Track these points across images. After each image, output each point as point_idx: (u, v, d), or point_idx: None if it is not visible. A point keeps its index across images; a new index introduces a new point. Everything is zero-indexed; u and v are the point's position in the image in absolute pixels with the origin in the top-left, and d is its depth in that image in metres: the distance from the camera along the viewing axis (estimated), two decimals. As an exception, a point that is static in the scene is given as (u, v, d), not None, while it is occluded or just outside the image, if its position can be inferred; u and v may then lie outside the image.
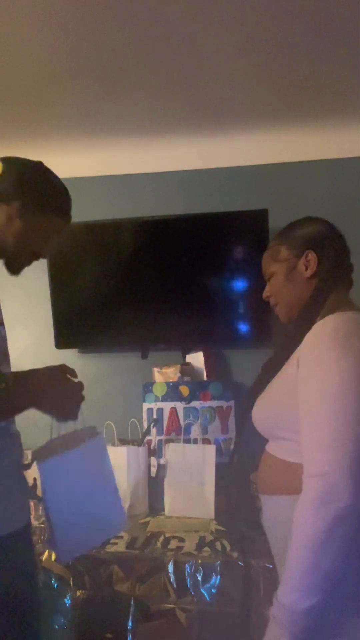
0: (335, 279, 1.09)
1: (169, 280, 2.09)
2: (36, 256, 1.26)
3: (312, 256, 1.10)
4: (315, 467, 0.91)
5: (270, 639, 0.92)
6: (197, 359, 2.13)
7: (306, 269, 1.11)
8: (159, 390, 2.05)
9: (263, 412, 1.11)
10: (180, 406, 2.01)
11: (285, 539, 0.97)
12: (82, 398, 1.16)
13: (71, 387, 1.15)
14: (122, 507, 1.28)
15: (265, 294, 1.22)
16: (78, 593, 1.49)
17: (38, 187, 1.23)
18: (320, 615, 0.90)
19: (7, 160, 1.21)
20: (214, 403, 1.98)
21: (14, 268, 1.22)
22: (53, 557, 1.52)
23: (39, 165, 1.27)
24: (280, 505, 1.04)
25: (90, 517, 1.19)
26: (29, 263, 1.25)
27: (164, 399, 2.03)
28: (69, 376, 1.17)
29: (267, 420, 1.10)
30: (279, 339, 1.29)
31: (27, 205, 1.19)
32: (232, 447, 1.89)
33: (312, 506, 0.89)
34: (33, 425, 1.41)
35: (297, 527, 0.92)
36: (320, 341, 0.98)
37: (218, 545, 1.54)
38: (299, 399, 0.98)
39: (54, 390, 1.12)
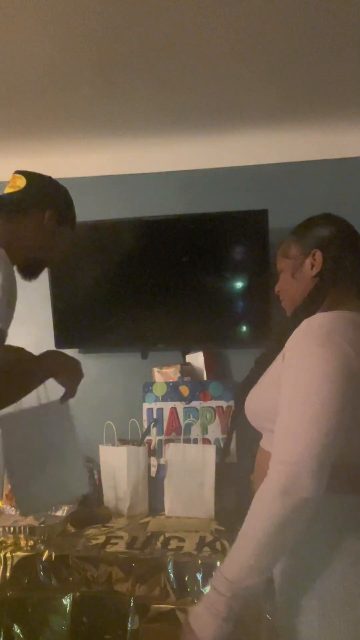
0: (337, 279, 1.10)
1: (169, 280, 2.09)
2: (48, 264, 1.36)
3: (318, 255, 1.12)
4: (282, 455, 0.92)
5: (205, 604, 0.94)
6: (197, 359, 2.13)
7: (312, 268, 1.12)
8: (159, 390, 2.05)
9: (253, 404, 1.12)
10: (180, 406, 2.01)
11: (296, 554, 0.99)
12: (82, 374, 1.37)
13: (75, 364, 1.36)
14: (84, 473, 1.35)
15: (276, 288, 1.24)
16: (78, 593, 1.49)
17: (59, 200, 1.35)
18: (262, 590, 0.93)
19: (27, 174, 1.29)
20: (214, 403, 1.98)
21: (30, 275, 1.33)
22: (53, 557, 1.52)
23: (53, 180, 1.37)
24: None
25: (50, 475, 1.24)
26: (41, 270, 1.35)
27: (164, 399, 2.03)
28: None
29: (256, 412, 1.12)
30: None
31: (49, 216, 1.29)
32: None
33: (274, 492, 0.90)
34: (33, 425, 1.42)
35: (255, 509, 0.94)
36: (304, 336, 1.00)
37: (218, 545, 1.53)
38: (282, 387, 0.99)
39: (67, 364, 1.33)
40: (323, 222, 1.16)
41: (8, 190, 1.28)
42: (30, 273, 1.33)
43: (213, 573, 1.41)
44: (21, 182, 1.27)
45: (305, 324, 1.02)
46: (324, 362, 0.94)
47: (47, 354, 1.32)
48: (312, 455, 0.89)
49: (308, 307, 1.09)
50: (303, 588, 1.00)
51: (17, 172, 1.30)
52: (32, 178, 1.29)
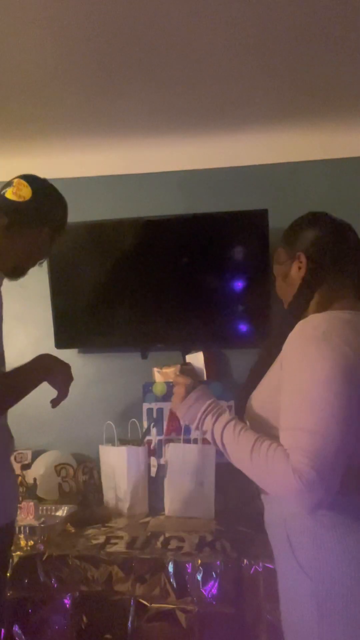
0: (322, 279, 1.09)
1: (169, 280, 2.09)
2: (32, 267, 1.40)
3: (303, 258, 1.11)
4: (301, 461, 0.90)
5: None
6: (197, 359, 2.12)
7: (299, 270, 1.12)
8: (159, 390, 2.05)
9: (253, 409, 1.11)
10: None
11: (285, 540, 1.00)
12: (72, 378, 1.38)
13: (66, 367, 1.37)
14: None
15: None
16: (78, 593, 1.49)
17: (58, 216, 1.37)
18: None
19: (33, 183, 1.29)
20: (214, 403, 1.98)
21: (14, 277, 1.34)
22: (54, 557, 1.52)
23: (56, 191, 1.38)
24: (280, 504, 1.05)
25: None
26: (25, 274, 1.38)
27: (164, 399, 2.03)
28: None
29: (256, 417, 1.11)
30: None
31: (46, 232, 1.33)
32: None
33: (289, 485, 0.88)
34: (33, 425, 1.42)
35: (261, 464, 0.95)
36: (300, 339, 0.99)
37: (218, 545, 1.53)
38: (282, 393, 0.99)
39: (60, 367, 1.35)
40: (306, 224, 1.16)
41: (12, 197, 1.27)
42: (15, 276, 1.35)
43: (213, 573, 1.42)
44: (26, 193, 1.27)
45: (300, 326, 1.01)
46: (324, 365, 0.92)
47: (41, 357, 1.33)
48: (325, 463, 0.87)
49: (294, 308, 1.10)
50: (303, 587, 0.99)
51: (24, 178, 1.30)
52: (38, 190, 1.29)
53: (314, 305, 1.10)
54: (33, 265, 1.37)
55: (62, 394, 1.38)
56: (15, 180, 1.29)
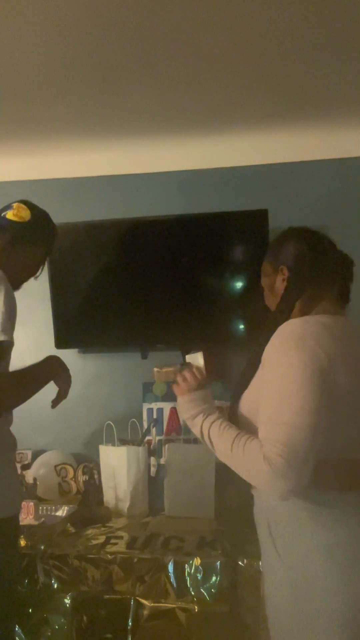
0: (303, 290, 1.18)
1: (168, 280, 2.09)
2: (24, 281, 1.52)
3: (285, 271, 1.20)
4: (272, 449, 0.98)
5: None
6: (197, 359, 2.12)
7: (282, 282, 1.21)
8: (159, 390, 2.05)
9: (243, 409, 1.18)
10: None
11: (266, 529, 1.11)
12: (70, 378, 1.50)
13: (68, 371, 1.49)
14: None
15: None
16: (78, 593, 1.49)
17: (51, 237, 1.50)
18: None
19: (31, 207, 1.43)
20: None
21: (13, 290, 1.42)
22: (54, 557, 1.52)
23: (49, 216, 1.51)
24: (262, 496, 1.14)
25: None
26: (18, 289, 1.47)
27: (164, 399, 2.03)
28: None
29: (245, 416, 1.17)
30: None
31: (41, 251, 1.48)
32: None
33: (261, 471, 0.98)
34: (33, 425, 1.42)
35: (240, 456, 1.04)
36: (279, 342, 1.08)
37: (218, 545, 1.54)
38: (262, 391, 1.08)
39: (64, 369, 1.47)
40: (287, 239, 1.24)
41: (13, 217, 1.41)
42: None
43: (213, 573, 1.42)
44: (26, 215, 1.41)
45: (279, 330, 1.10)
46: (297, 365, 1.01)
47: (49, 359, 1.45)
48: (294, 452, 0.95)
49: (278, 316, 1.17)
50: (280, 574, 1.08)
51: (22, 202, 1.44)
52: (35, 213, 1.44)
53: (296, 312, 1.18)
54: (27, 279, 1.50)
55: (64, 394, 1.49)
56: (15, 204, 1.43)
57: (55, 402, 1.48)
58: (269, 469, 0.95)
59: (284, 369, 1.03)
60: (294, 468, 0.95)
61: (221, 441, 1.10)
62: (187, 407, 1.21)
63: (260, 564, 1.40)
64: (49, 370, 1.43)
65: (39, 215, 1.45)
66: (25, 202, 1.45)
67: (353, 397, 1.04)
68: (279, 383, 1.03)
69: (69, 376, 1.49)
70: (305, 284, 1.18)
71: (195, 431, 1.18)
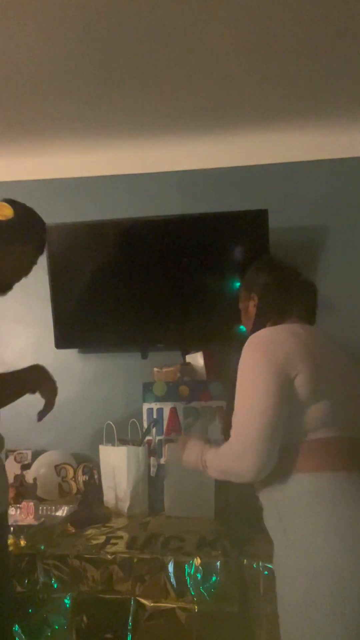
0: (270, 314, 1.35)
1: (169, 280, 2.09)
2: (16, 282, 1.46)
3: (255, 297, 1.39)
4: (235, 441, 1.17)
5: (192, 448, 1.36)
6: (197, 359, 2.12)
7: (254, 307, 1.39)
8: (159, 390, 2.05)
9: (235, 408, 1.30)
10: (180, 406, 2.01)
11: (278, 522, 1.15)
12: (57, 389, 1.41)
13: (53, 381, 1.39)
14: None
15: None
16: (78, 593, 1.49)
17: (39, 233, 1.43)
18: None
19: (13, 204, 1.37)
20: (213, 403, 1.98)
21: (4, 291, 1.41)
22: (54, 557, 1.52)
23: (34, 212, 1.44)
24: (272, 493, 1.19)
25: None
26: (10, 289, 1.43)
27: (164, 399, 2.03)
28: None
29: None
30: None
31: (31, 249, 1.41)
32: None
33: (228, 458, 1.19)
34: (33, 425, 1.42)
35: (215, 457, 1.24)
36: (248, 348, 1.25)
37: (218, 545, 1.53)
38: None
39: (50, 380, 1.38)
40: (258, 269, 1.43)
41: None
42: (1, 290, 1.41)
43: (213, 573, 1.42)
44: (9, 212, 1.35)
45: (250, 338, 1.27)
46: (261, 369, 1.18)
47: (33, 368, 1.38)
48: (249, 436, 1.13)
49: (252, 332, 1.35)
50: (292, 562, 1.11)
51: (3, 200, 1.39)
52: (19, 209, 1.38)
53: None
54: (18, 280, 1.44)
55: (50, 405, 1.40)
56: None
57: (41, 415, 1.39)
58: (230, 452, 1.17)
59: (245, 369, 1.21)
60: (251, 449, 1.12)
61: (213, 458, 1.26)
62: (188, 459, 1.38)
63: (262, 564, 1.41)
64: (31, 379, 1.35)
65: (23, 212, 1.39)
66: (7, 200, 1.38)
67: (318, 386, 1.17)
68: (242, 380, 1.20)
69: (55, 387, 1.40)
70: (272, 309, 1.36)
71: (199, 467, 1.31)
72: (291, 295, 1.36)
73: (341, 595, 1.02)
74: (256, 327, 1.35)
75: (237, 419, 1.18)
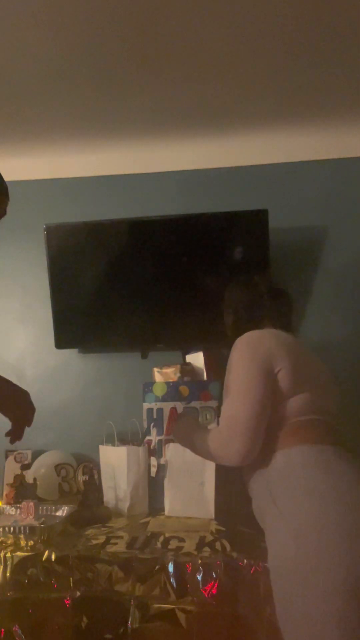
0: (245, 327, 1.51)
1: (169, 280, 2.09)
2: None
3: (231, 311, 1.62)
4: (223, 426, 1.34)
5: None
6: (197, 359, 2.12)
7: (231, 320, 1.62)
8: (159, 390, 2.05)
9: None
10: (180, 406, 2.01)
11: (268, 496, 1.26)
12: (34, 407, 1.23)
13: (24, 395, 1.22)
14: None
15: None
16: (78, 593, 1.49)
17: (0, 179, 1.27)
18: None
19: None
20: (214, 403, 1.98)
21: None
22: (54, 557, 1.52)
23: None
24: (263, 473, 1.32)
25: None
26: None
27: (164, 399, 2.03)
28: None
29: None
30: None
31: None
32: None
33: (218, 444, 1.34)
34: (33, 425, 1.42)
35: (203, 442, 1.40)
36: (235, 348, 1.42)
37: (218, 545, 1.53)
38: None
39: (13, 396, 1.20)
40: (234, 289, 1.65)
41: None
42: None
43: (213, 573, 1.42)
44: None
45: (237, 340, 1.43)
46: (247, 365, 1.34)
47: (17, 391, 1.22)
48: (236, 422, 1.28)
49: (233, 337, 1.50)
50: (281, 527, 1.18)
51: None
52: None
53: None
54: None
55: (17, 430, 1.23)
56: None
57: (11, 439, 1.24)
58: (219, 437, 1.32)
59: (234, 364, 1.37)
60: (238, 436, 1.27)
61: (201, 440, 1.42)
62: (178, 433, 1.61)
63: (261, 564, 1.41)
64: (11, 399, 1.19)
65: None
66: None
67: (298, 380, 1.33)
68: (230, 375, 1.37)
69: (30, 416, 1.24)
70: (246, 322, 1.54)
71: (186, 445, 1.54)
72: (263, 309, 1.56)
73: (326, 550, 1.09)
74: (235, 331, 1.55)
75: (225, 409, 1.34)
